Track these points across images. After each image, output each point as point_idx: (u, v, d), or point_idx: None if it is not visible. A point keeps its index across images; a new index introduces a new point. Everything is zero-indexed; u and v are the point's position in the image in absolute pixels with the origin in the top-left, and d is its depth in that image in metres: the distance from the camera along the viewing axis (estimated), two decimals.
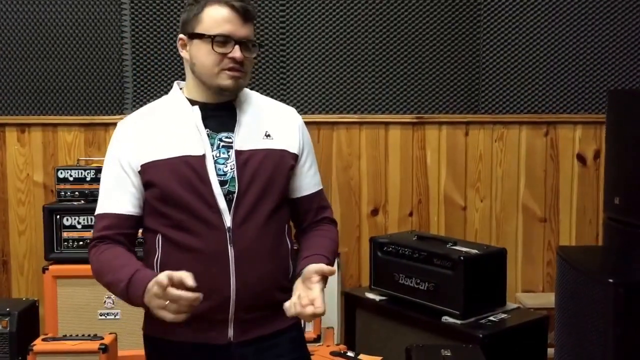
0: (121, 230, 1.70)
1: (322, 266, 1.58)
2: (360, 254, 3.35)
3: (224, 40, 1.65)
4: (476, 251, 2.60)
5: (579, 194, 3.36)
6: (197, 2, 1.68)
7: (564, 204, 3.36)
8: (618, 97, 2.62)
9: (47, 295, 2.91)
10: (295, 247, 1.82)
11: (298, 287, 1.61)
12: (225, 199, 1.65)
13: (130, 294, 1.58)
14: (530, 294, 3.34)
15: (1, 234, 3.33)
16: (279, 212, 1.74)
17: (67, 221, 2.94)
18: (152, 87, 3.28)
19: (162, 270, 1.65)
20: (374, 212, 3.35)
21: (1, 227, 3.33)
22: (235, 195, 1.66)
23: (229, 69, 1.66)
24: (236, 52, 1.65)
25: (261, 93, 3.27)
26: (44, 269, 2.91)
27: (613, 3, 3.28)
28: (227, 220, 1.65)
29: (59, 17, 3.24)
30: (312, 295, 1.54)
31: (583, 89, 3.32)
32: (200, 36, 1.66)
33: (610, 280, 1.80)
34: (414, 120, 3.31)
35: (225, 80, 1.67)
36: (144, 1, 3.23)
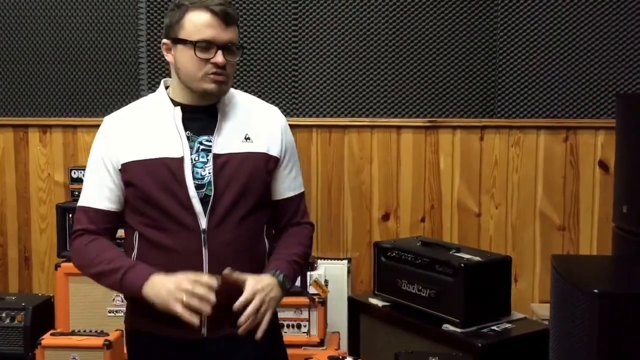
0: (103, 225, 1.76)
1: (248, 290, 1.64)
2: (370, 259, 3.30)
3: (206, 45, 1.67)
4: (478, 258, 2.54)
5: (601, 202, 3.22)
6: (178, 8, 1.70)
7: (584, 213, 3.24)
8: (627, 101, 2.50)
9: (59, 291, 2.98)
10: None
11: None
12: (202, 202, 1.68)
13: (127, 281, 1.65)
14: (546, 304, 3.22)
15: (24, 232, 3.44)
16: (256, 215, 1.75)
17: None
18: None
19: None
20: (385, 217, 3.30)
21: (24, 225, 3.44)
22: (211, 199, 1.68)
23: (212, 74, 1.68)
24: (218, 58, 1.67)
25: (272, 96, 3.27)
26: (57, 266, 2.99)
27: None
28: (203, 223, 1.68)
29: (79, 22, 3.33)
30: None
31: (606, 92, 3.18)
32: (183, 42, 1.68)
33: (595, 291, 1.71)
34: (427, 124, 3.25)
35: (208, 85, 1.69)
36: (160, 6, 3.29)
